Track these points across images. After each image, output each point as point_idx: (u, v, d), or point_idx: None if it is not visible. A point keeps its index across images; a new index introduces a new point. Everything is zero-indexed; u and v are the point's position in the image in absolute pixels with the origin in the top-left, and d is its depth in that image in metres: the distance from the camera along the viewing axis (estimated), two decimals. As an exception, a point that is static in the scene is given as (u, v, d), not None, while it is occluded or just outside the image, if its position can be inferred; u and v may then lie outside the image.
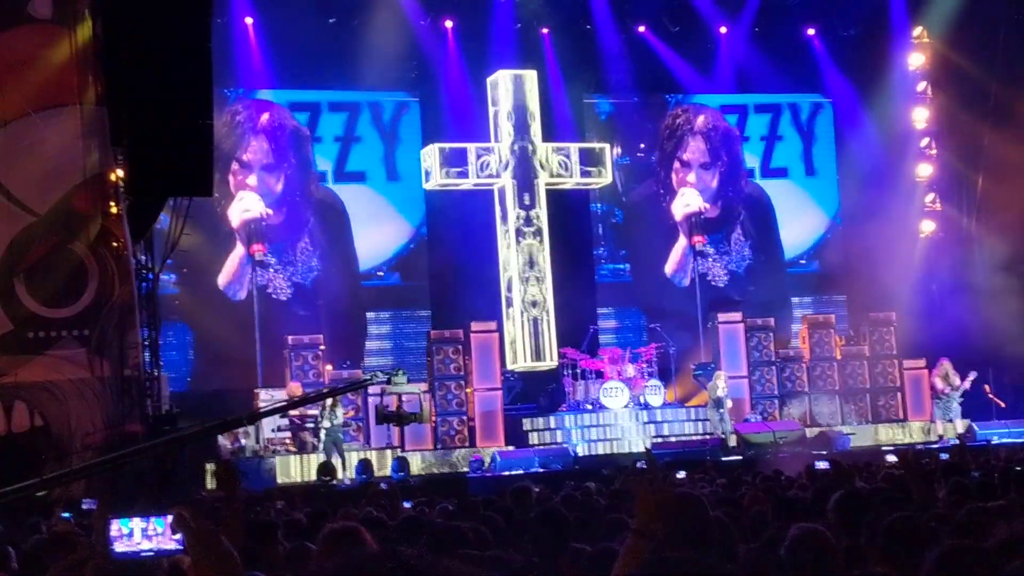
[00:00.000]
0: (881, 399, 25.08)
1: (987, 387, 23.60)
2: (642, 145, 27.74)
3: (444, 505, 10.19)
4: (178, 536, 3.85)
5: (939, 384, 23.18)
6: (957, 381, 23.06)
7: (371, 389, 18.73)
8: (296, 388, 20.75)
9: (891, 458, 12.78)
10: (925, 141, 27.19)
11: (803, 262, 28.66)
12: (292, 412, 20.67)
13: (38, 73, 16.96)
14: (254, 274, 24.41)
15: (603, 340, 25.08)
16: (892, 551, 5.32)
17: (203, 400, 20.85)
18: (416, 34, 24.87)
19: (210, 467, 18.52)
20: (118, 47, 15.51)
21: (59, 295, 16.83)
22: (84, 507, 12.14)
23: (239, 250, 24.55)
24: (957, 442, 19.96)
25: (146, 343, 17.43)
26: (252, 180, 24.73)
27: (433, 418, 22.09)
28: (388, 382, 5.68)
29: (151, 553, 4.09)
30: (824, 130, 28.67)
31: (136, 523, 4.12)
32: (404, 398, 7.43)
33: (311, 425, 20.49)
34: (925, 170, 27.18)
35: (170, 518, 4.03)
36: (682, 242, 27.49)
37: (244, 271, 24.52)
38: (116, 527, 4.11)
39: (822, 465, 10.56)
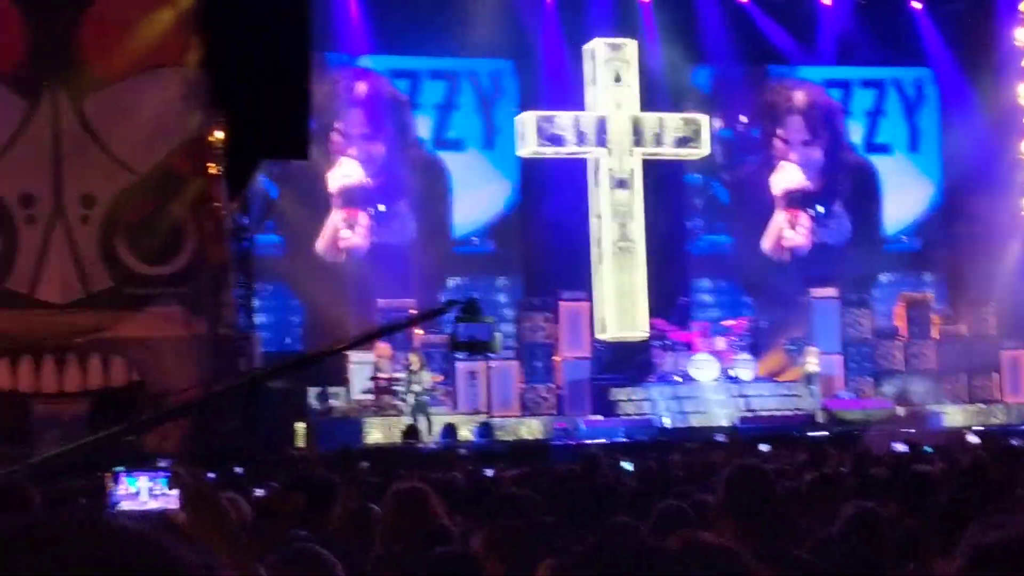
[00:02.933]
0: (977, 379, 24.65)
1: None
2: (743, 118, 27.43)
3: (518, 472, 10.30)
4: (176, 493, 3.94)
5: None
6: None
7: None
8: (386, 349, 21.00)
9: (973, 439, 12.60)
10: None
11: (904, 239, 28.22)
12: (381, 375, 20.91)
13: (141, 35, 17.28)
14: (350, 239, 24.74)
15: (696, 313, 24.95)
16: (945, 532, 5.31)
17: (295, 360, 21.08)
18: (514, 1, 24.84)
19: (299, 426, 18.84)
20: (219, 9, 15.78)
21: (158, 254, 17.24)
22: (160, 465, 12.41)
23: (337, 214, 24.88)
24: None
25: (241, 303, 17.80)
26: (352, 148, 25.02)
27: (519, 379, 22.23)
28: (463, 310, 5.81)
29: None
30: (929, 106, 28.11)
31: (143, 481, 4.19)
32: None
33: (400, 388, 20.74)
34: (1030, 148, 26.53)
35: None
36: (781, 216, 27.22)
37: (340, 236, 24.85)
38: (124, 485, 4.19)
39: (901, 447, 10.46)
